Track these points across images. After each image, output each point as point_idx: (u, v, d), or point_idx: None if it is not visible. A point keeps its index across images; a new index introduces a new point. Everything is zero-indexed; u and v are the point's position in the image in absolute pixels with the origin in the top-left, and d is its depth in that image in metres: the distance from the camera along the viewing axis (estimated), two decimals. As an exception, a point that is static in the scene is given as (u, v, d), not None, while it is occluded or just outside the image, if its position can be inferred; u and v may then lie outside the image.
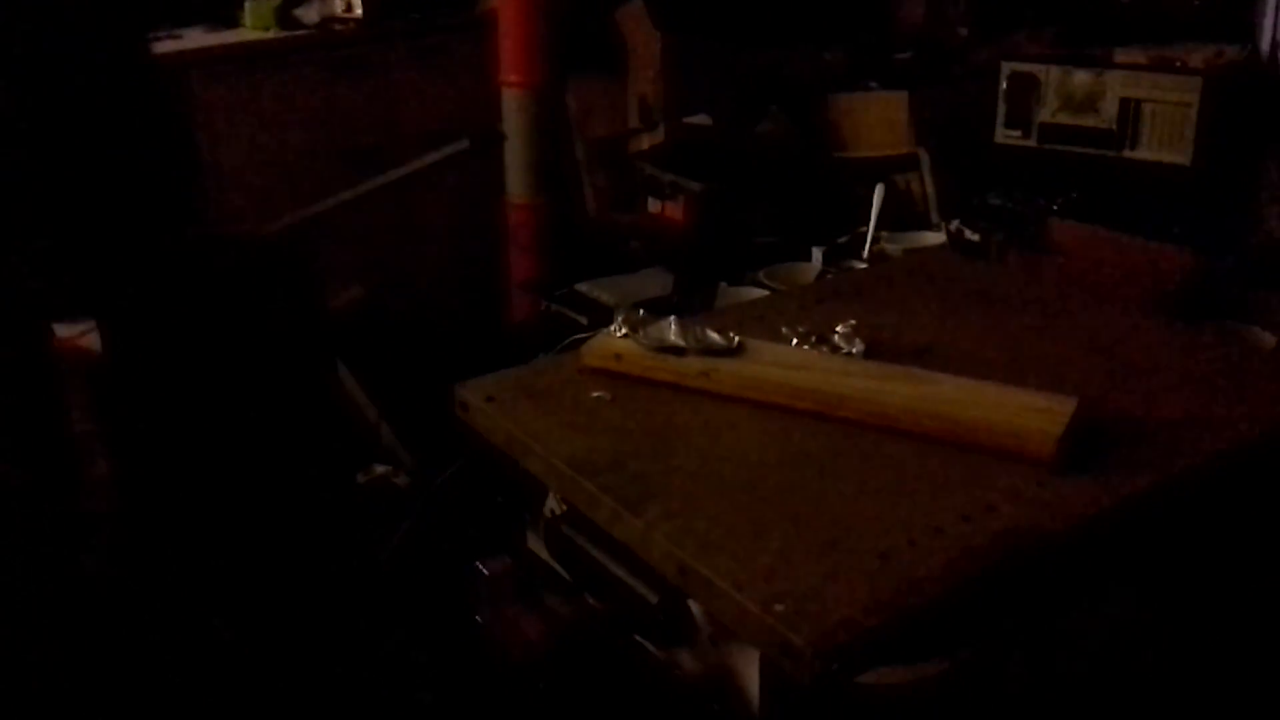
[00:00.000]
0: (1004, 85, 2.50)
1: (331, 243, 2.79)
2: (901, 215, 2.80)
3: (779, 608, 0.92)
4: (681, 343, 1.29)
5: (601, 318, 2.58)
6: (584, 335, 1.36)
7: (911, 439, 1.17)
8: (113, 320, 2.11)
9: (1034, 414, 1.16)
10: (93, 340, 2.08)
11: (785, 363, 1.26)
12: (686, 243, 2.83)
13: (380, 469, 2.67)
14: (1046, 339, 1.40)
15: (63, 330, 2.12)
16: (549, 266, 2.92)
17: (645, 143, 3.03)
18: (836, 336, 1.35)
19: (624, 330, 1.32)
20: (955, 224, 2.05)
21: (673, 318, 1.32)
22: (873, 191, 2.32)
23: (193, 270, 2.33)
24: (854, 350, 1.33)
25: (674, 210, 2.90)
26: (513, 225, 2.89)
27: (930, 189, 2.92)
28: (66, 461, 2.13)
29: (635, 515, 1.06)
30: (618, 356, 1.29)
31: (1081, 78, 2.38)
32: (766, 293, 1.87)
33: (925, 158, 2.90)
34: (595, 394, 1.26)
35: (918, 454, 1.15)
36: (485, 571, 1.65)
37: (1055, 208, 2.05)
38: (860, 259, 1.90)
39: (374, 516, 2.39)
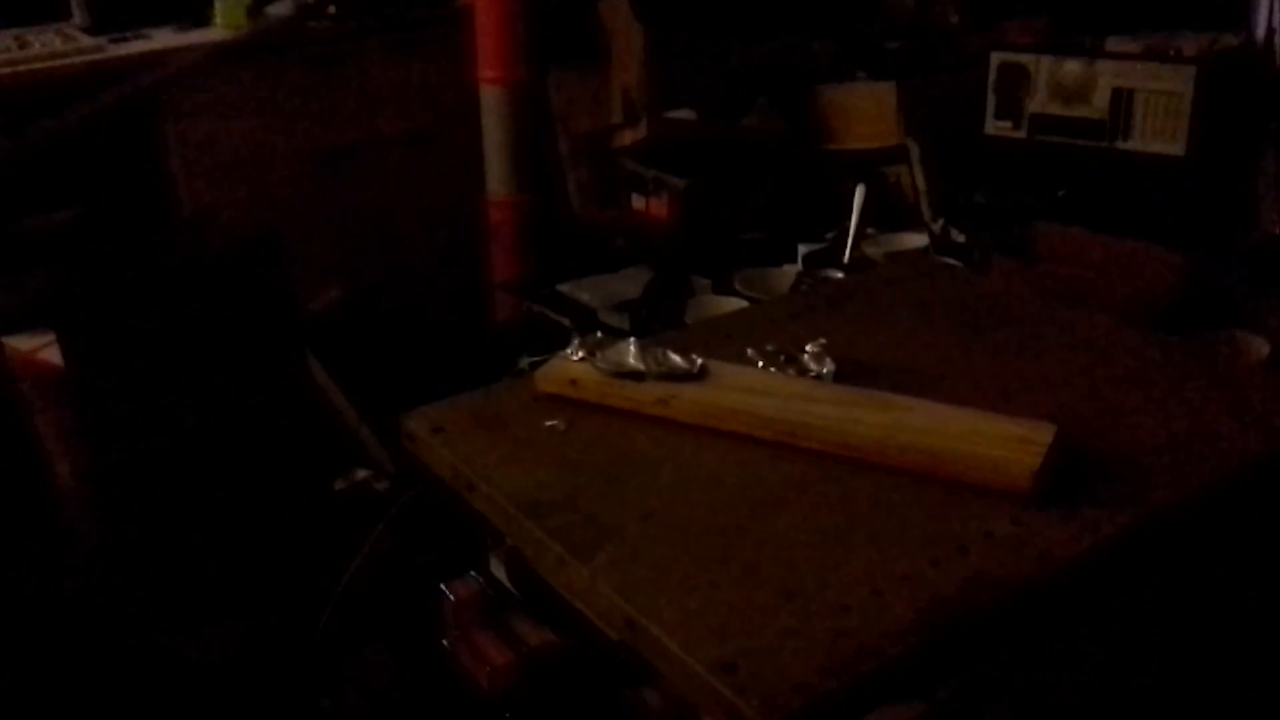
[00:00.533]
0: (993, 76, 2.41)
1: (309, 244, 2.72)
2: (891, 209, 2.71)
3: (728, 672, 0.84)
4: (641, 366, 1.21)
5: (583, 319, 2.51)
6: (539, 359, 1.28)
7: (880, 471, 1.08)
8: (74, 329, 2.03)
9: (1010, 444, 1.07)
10: (53, 353, 2.01)
11: (748, 388, 1.18)
12: (669, 240, 2.74)
13: (360, 474, 2.60)
14: (1029, 356, 1.31)
15: (22, 343, 2.05)
16: (532, 265, 2.84)
17: (628, 138, 2.94)
18: (806, 356, 1.26)
19: (581, 353, 1.23)
20: (940, 224, 1.97)
21: (632, 340, 1.23)
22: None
23: (158, 274, 2.26)
24: (824, 371, 1.24)
25: (658, 207, 2.81)
26: (494, 223, 2.81)
27: (920, 182, 2.83)
28: (34, 477, 2.06)
29: (582, 562, 0.98)
30: (573, 382, 1.21)
31: (1072, 67, 2.28)
32: (742, 303, 1.77)
33: (915, 149, 2.81)
34: (549, 423, 1.18)
35: (886, 488, 1.06)
36: (450, 595, 1.58)
37: (1042, 207, 1.96)
38: (840, 265, 1.81)
39: (352, 522, 2.32)
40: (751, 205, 2.77)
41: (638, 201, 2.86)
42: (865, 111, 2.86)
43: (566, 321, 2.52)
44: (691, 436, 1.15)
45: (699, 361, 1.22)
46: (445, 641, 1.56)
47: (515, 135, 2.73)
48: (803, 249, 2.34)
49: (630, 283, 2.58)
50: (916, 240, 2.02)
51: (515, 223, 2.80)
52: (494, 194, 2.78)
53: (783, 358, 1.29)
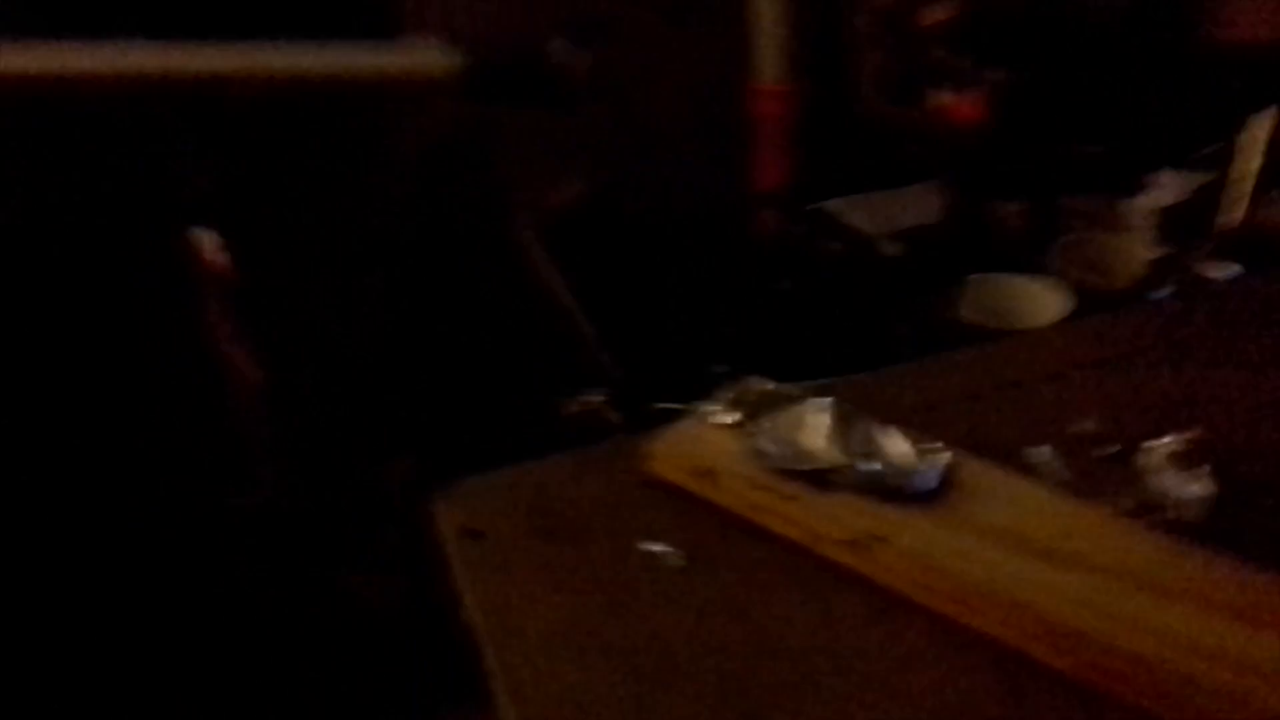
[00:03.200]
0: None
1: (550, 128, 2.23)
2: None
3: None
4: (837, 458, 0.62)
5: (853, 246, 1.90)
6: (674, 407, 0.72)
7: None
8: (241, 227, 1.67)
9: None
10: (221, 253, 1.65)
11: (1030, 538, 0.57)
12: (975, 149, 2.05)
13: (594, 398, 2.13)
14: None
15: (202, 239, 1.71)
16: (802, 171, 2.22)
17: (939, 14, 2.21)
18: (1154, 459, 0.63)
19: (734, 416, 0.66)
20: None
21: (829, 403, 0.65)
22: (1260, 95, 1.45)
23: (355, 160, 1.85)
24: (1188, 497, 0.61)
25: (967, 105, 2.10)
26: (761, 117, 2.20)
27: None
28: (214, 384, 1.74)
29: None
30: (709, 474, 0.64)
31: None
32: (1058, 297, 1.10)
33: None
34: (655, 547, 0.62)
35: None
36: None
37: None
38: (1206, 234, 1.08)
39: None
40: (1093, 108, 2.02)
41: (943, 97, 2.16)
42: (1272, -13, 2.01)
43: (837, 246, 1.93)
44: (907, 621, 0.56)
45: (944, 460, 0.61)
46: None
47: (794, 8, 2.09)
48: (1168, 176, 1.59)
49: (918, 204, 1.94)
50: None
51: (786, 117, 2.18)
52: (763, 80, 2.17)
53: (1111, 452, 0.66)
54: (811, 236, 2.00)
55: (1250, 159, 1.08)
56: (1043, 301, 1.08)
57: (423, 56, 1.24)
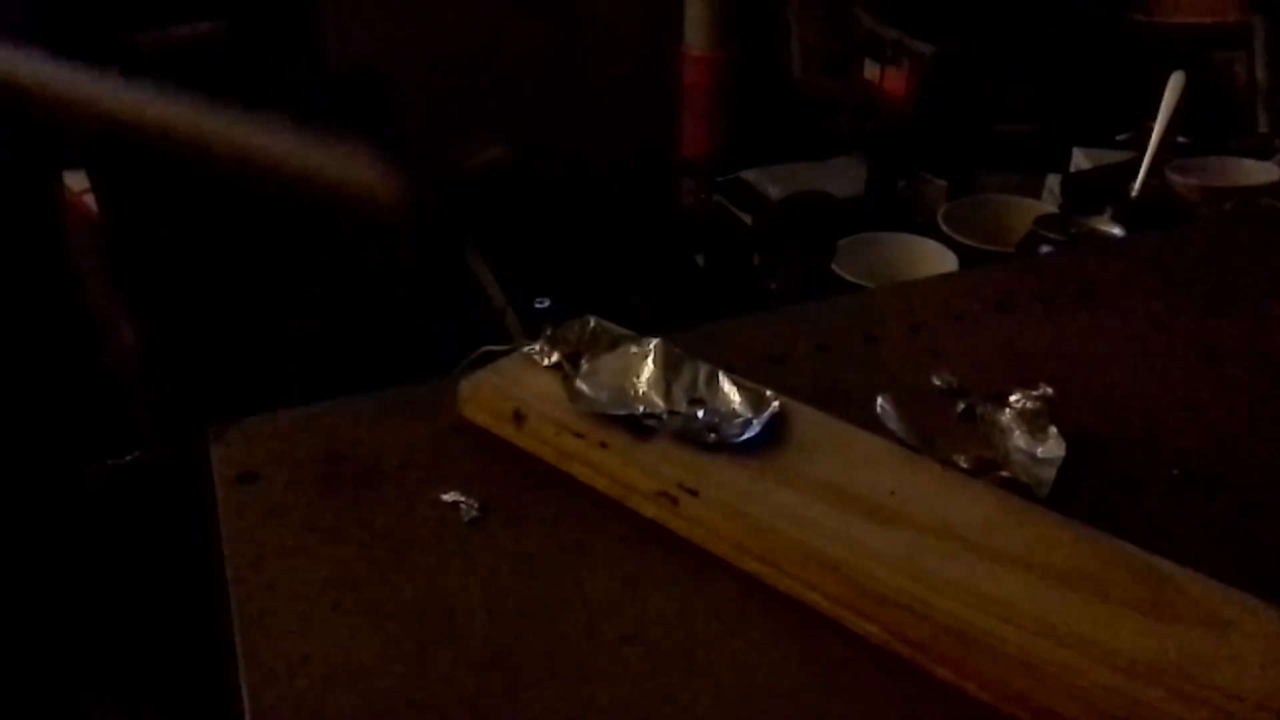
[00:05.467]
0: None
1: (474, 87, 2.15)
2: (1214, 114, 1.85)
3: None
4: (658, 404, 0.56)
5: (769, 219, 1.84)
6: (500, 349, 0.66)
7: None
8: (112, 168, 1.56)
9: None
10: (91, 199, 1.54)
11: (853, 494, 0.51)
12: (901, 124, 2.00)
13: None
14: None
15: (75, 182, 1.60)
16: (730, 140, 2.16)
17: (871, -15, 2.16)
18: (1007, 415, 0.57)
19: (554, 356, 0.60)
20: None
21: (654, 344, 0.58)
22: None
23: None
24: (1039, 456, 0.55)
25: (895, 79, 2.05)
26: (688, 84, 2.13)
27: (1261, 74, 1.94)
28: (90, 345, 1.64)
29: None
30: (518, 416, 0.58)
31: None
32: (945, 255, 1.05)
33: (1260, 30, 1.92)
34: (448, 498, 0.56)
35: None
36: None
37: None
38: (1122, 201, 1.04)
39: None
40: (1021, 86, 1.98)
41: (871, 70, 2.10)
42: (1199, -28, 1.98)
43: (748, 220, 1.87)
44: (711, 588, 0.50)
45: (772, 409, 0.55)
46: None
47: (725, -26, 2.03)
48: (1079, 154, 1.56)
49: (837, 177, 1.89)
50: (1257, 173, 1.20)
51: (712, 85, 2.11)
52: (691, 45, 2.10)
53: (962, 406, 0.60)
54: (724, 207, 1.93)
55: (1156, 124, 1.04)
56: (923, 260, 1.03)
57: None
